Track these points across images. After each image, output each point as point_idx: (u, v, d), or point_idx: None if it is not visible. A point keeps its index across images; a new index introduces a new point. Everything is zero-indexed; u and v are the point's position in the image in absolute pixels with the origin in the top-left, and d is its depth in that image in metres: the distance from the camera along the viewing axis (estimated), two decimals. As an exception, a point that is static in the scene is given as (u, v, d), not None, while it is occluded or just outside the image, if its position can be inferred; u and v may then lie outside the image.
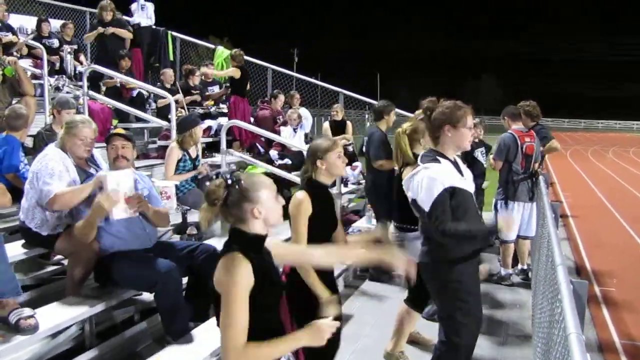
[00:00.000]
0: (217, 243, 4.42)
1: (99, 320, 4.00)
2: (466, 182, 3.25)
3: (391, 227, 4.19)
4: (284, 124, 8.98)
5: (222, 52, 11.10)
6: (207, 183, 3.81)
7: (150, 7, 10.65)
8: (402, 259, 2.73)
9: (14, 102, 5.95)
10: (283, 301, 2.47)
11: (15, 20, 9.49)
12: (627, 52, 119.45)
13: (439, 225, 3.07)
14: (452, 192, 3.10)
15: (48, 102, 7.06)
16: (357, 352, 4.41)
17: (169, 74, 9.08)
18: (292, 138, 8.49)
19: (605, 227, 10.03)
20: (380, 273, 6.03)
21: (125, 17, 10.89)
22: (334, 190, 6.16)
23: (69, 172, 3.94)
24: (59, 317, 3.47)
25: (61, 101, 5.42)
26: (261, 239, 2.26)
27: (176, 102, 7.83)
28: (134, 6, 10.58)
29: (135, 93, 8.78)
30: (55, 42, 9.22)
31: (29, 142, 5.56)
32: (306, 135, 9.10)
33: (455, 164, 3.26)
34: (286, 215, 2.75)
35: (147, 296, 4.10)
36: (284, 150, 8.31)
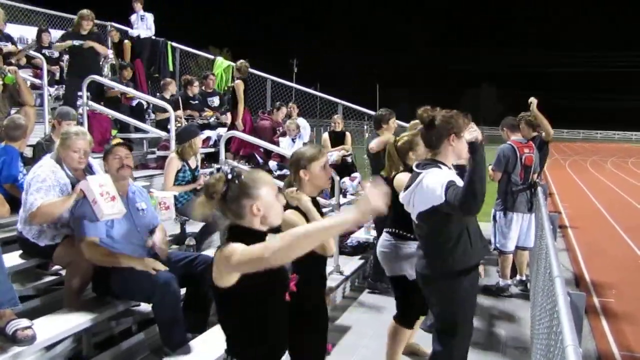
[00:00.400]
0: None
1: (97, 331, 3.98)
2: None
3: (384, 234, 4.14)
4: (283, 134, 9.00)
5: (221, 62, 11.18)
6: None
7: (150, 17, 10.73)
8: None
9: (13, 112, 5.96)
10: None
11: (15, 30, 9.55)
12: (627, 64, 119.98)
13: (457, 200, 2.92)
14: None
15: (48, 112, 7.09)
16: (356, 364, 4.40)
17: (173, 85, 9.11)
18: (291, 148, 8.51)
19: (604, 238, 10.03)
20: (378, 278, 6.01)
21: (124, 28, 10.98)
22: (332, 202, 6.17)
23: (61, 183, 3.94)
24: (56, 328, 3.45)
25: (62, 112, 5.46)
26: (260, 234, 2.20)
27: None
28: (133, 17, 10.66)
29: (134, 103, 8.81)
30: (55, 53, 9.26)
31: (28, 152, 5.56)
32: (304, 145, 9.12)
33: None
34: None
35: (145, 307, 4.09)
36: (283, 160, 8.32)
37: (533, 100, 6.40)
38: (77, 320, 3.57)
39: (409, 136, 4.09)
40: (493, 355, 4.67)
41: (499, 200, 6.18)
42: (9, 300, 3.22)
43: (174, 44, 11.33)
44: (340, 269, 5.96)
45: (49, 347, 3.57)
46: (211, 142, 8.71)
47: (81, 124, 6.99)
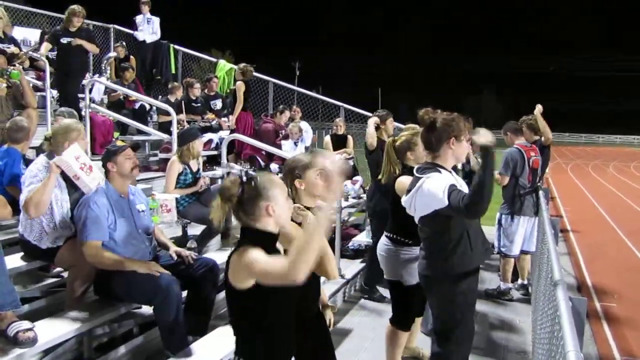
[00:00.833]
0: (216, 257, 4.42)
1: (98, 333, 3.98)
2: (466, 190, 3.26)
3: (383, 238, 4.12)
4: (286, 137, 9.01)
5: (223, 65, 11.18)
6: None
7: (156, 21, 10.68)
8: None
9: (15, 114, 5.97)
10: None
11: (18, 32, 9.54)
12: (628, 68, 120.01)
13: (464, 202, 2.92)
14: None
15: (50, 114, 7.09)
16: (357, 367, 4.39)
17: (181, 90, 9.12)
18: (293, 151, 8.51)
19: (606, 242, 10.01)
20: (373, 283, 5.99)
21: (128, 31, 10.96)
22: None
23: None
24: (57, 330, 3.45)
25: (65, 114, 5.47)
26: (273, 236, 2.28)
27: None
28: (139, 18, 10.59)
29: (137, 105, 8.82)
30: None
31: (31, 155, 5.57)
32: (306, 148, 9.13)
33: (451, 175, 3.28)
34: None
35: (147, 310, 4.09)
36: (284, 163, 8.30)
37: (539, 108, 6.36)
38: (78, 323, 3.57)
39: (407, 136, 4.07)
40: (494, 360, 4.67)
41: (505, 204, 6.16)
42: (11, 303, 3.22)
43: (177, 46, 11.34)
44: (342, 272, 5.95)
45: (50, 350, 3.57)
46: (213, 145, 8.71)
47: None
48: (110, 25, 11.70)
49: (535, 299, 4.97)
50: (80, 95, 7.88)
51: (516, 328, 5.41)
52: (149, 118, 9.39)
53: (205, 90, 9.73)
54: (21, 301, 3.43)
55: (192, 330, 3.85)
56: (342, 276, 5.94)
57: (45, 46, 7.80)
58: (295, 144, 8.77)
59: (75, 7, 7.63)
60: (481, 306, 5.67)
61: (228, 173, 5.35)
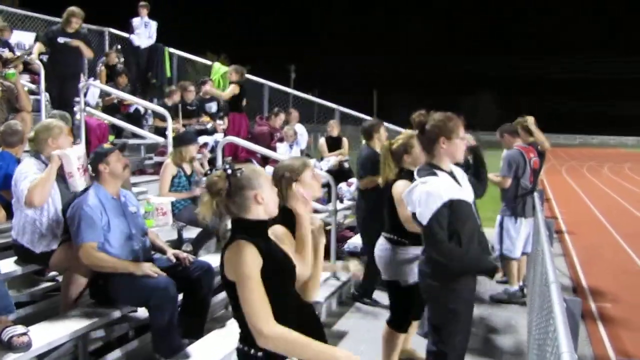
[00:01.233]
0: (212, 259, 4.41)
1: (93, 337, 3.96)
2: (465, 192, 3.28)
3: (381, 238, 4.13)
4: (281, 140, 9.00)
5: (218, 68, 11.14)
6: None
7: (154, 25, 10.61)
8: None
9: (9, 117, 5.95)
10: None
11: (13, 36, 9.49)
12: (623, 71, 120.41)
13: (436, 240, 3.11)
14: (450, 206, 3.12)
15: (44, 117, 7.07)
16: (353, 370, 4.38)
17: (178, 94, 9.10)
18: (288, 154, 8.51)
19: (601, 243, 10.04)
20: (368, 288, 5.98)
21: (124, 34, 10.91)
22: (329, 207, 6.16)
23: (42, 170, 4.03)
24: (52, 334, 3.44)
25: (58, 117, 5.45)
26: (263, 223, 2.33)
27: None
28: (136, 21, 10.48)
29: (132, 109, 8.80)
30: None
31: (25, 158, 5.55)
32: (302, 151, 9.13)
33: (451, 174, 3.29)
34: None
35: (142, 313, 4.08)
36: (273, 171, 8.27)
37: (531, 120, 6.24)
38: (73, 327, 3.55)
39: (403, 139, 4.09)
40: (490, 361, 4.68)
41: (506, 206, 6.15)
42: (5, 307, 3.21)
43: (172, 49, 11.31)
44: (337, 274, 5.95)
45: (45, 354, 3.55)
46: (209, 148, 8.70)
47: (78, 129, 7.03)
48: (105, 29, 11.65)
49: (530, 300, 4.98)
50: (75, 99, 7.84)
51: (512, 329, 5.42)
52: (144, 122, 9.37)
53: (200, 94, 9.71)
54: (15, 305, 3.42)
55: (187, 333, 3.84)
56: (337, 278, 5.94)
57: (38, 47, 7.64)
58: (290, 146, 8.78)
59: (74, 8, 7.54)
60: (477, 307, 5.65)
61: (211, 170, 5.36)
